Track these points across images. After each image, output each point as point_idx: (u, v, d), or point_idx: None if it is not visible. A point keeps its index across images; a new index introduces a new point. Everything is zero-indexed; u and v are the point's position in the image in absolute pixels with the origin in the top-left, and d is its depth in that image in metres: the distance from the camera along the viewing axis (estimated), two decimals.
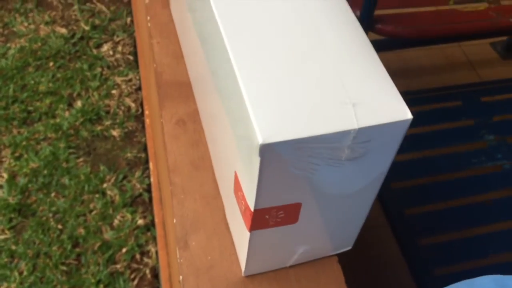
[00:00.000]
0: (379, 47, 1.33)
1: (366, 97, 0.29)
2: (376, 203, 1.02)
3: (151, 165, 1.24)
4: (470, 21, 1.04)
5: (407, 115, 0.29)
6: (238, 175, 0.34)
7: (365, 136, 0.29)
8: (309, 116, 0.28)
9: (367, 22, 0.97)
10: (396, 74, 1.70)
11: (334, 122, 0.28)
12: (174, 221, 0.41)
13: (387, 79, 0.31)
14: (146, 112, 1.30)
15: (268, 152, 0.28)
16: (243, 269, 0.39)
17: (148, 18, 0.53)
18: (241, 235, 0.37)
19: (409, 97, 1.13)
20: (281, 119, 0.28)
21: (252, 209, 0.32)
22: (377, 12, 0.97)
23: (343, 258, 0.42)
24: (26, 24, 1.52)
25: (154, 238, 1.16)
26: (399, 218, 0.95)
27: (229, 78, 0.32)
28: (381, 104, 0.29)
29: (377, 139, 0.30)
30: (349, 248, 0.42)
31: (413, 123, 1.03)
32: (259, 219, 0.33)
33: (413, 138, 1.07)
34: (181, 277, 0.38)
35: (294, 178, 0.31)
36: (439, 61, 1.55)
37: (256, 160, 0.28)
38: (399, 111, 0.29)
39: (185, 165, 0.44)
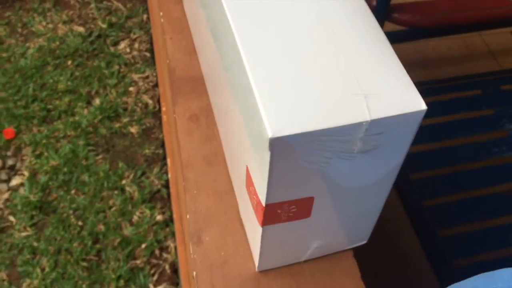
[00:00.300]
0: (397, 38, 1.31)
1: (379, 89, 0.29)
2: (394, 194, 1.01)
3: (168, 161, 1.24)
4: (487, 8, 1.02)
5: (422, 106, 0.29)
6: (250, 169, 0.33)
7: (377, 128, 0.28)
8: (320, 109, 0.28)
9: (384, 11, 0.96)
10: (415, 65, 1.69)
11: (345, 114, 0.28)
12: (188, 216, 0.41)
13: (401, 70, 0.31)
14: (163, 108, 1.30)
15: (278, 145, 0.28)
16: (256, 264, 0.38)
17: (161, 13, 0.53)
18: (254, 230, 0.36)
19: (427, 87, 1.12)
20: (291, 112, 0.28)
21: (263, 203, 0.32)
22: (394, 1, 0.95)
23: (361, 251, 0.41)
24: (44, 23, 1.54)
25: (173, 234, 1.17)
26: (418, 209, 0.94)
27: (240, 73, 0.32)
28: (395, 95, 0.29)
29: (391, 131, 0.29)
30: (364, 242, 0.41)
31: (432, 113, 1.02)
32: (271, 214, 0.33)
33: (432, 128, 1.06)
34: (194, 272, 0.38)
35: (305, 171, 0.30)
36: (459, 51, 1.52)
37: (267, 154, 0.28)
38: (413, 102, 0.29)
39: (198, 161, 0.44)
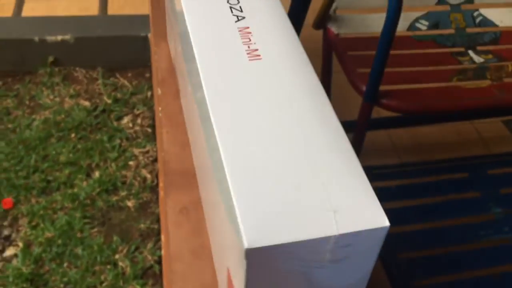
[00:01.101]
0: (391, 124, 1.36)
1: (347, 204, 0.31)
2: (382, 273, 1.01)
3: (163, 237, 1.25)
4: (473, 98, 1.07)
5: (385, 222, 0.31)
6: (231, 272, 0.35)
7: (345, 241, 0.31)
8: (293, 222, 0.30)
9: (373, 96, 1.00)
10: (408, 150, 1.73)
11: (316, 228, 0.30)
12: None
13: (367, 185, 0.33)
14: (161, 184, 1.33)
15: (254, 254, 0.30)
16: None
17: (160, 108, 0.56)
18: None
19: (418, 168, 1.15)
20: (267, 224, 0.30)
21: None
22: (383, 87, 1.00)
23: None
24: (52, 97, 1.60)
25: None
26: None
27: (222, 180, 0.35)
28: (361, 211, 0.31)
29: (358, 244, 0.31)
30: None
31: (422, 194, 1.04)
32: None
33: (421, 209, 1.08)
34: None
35: (281, 278, 0.32)
36: (452, 138, 1.56)
37: (243, 262, 0.30)
38: (378, 219, 0.31)
39: (186, 253, 0.46)
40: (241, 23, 0.46)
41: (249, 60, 0.43)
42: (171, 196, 0.49)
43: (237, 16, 0.46)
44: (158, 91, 0.58)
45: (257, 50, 0.44)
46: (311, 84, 0.42)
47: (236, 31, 0.45)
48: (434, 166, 1.20)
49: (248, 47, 0.44)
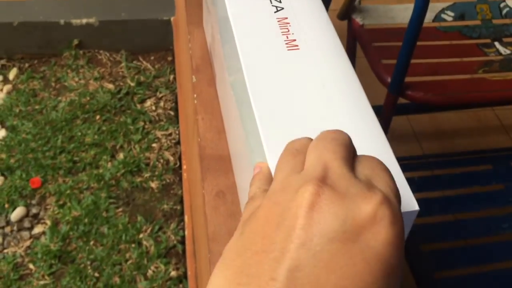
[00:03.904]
0: (412, 109, 1.37)
1: None
2: (405, 264, 1.03)
3: (186, 217, 1.28)
4: (498, 90, 1.07)
5: (415, 206, 0.33)
6: None
7: None
8: None
9: (398, 88, 1.02)
10: (429, 135, 1.73)
11: None
12: None
13: (397, 169, 0.35)
14: (184, 166, 1.36)
15: None
16: None
17: (195, 95, 0.58)
18: None
19: (441, 159, 1.16)
20: None
21: None
22: (407, 79, 1.01)
23: None
24: (77, 79, 1.63)
25: None
26: (429, 281, 0.96)
27: (259, 156, 0.37)
28: None
29: None
30: None
31: (445, 185, 1.05)
32: None
33: (444, 201, 1.09)
34: None
35: None
36: (472, 124, 1.57)
37: None
38: (408, 203, 0.34)
39: (224, 235, 0.48)
40: (280, 14, 0.47)
41: (288, 50, 0.44)
42: (208, 180, 0.52)
43: (276, 7, 0.48)
44: (193, 78, 0.60)
45: (295, 40, 0.45)
46: (347, 74, 0.43)
47: (275, 21, 0.47)
48: (457, 158, 1.21)
49: (287, 37, 0.45)
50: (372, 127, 0.39)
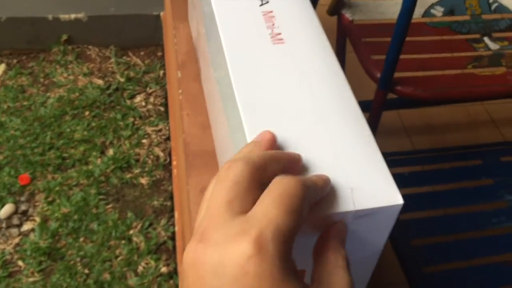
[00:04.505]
0: (402, 104, 1.37)
1: (363, 182, 0.34)
2: (394, 259, 1.03)
3: (176, 214, 1.28)
4: (487, 85, 1.07)
5: (399, 200, 0.33)
6: None
7: (361, 217, 0.33)
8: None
9: (387, 84, 1.01)
10: (419, 130, 1.73)
11: (335, 204, 0.32)
12: None
13: (382, 164, 0.35)
14: (174, 162, 1.35)
15: None
16: None
17: (180, 91, 0.58)
18: None
19: (431, 154, 1.16)
20: None
21: None
22: (397, 74, 1.01)
23: None
24: (65, 75, 1.62)
25: (177, 287, 1.19)
26: (417, 275, 0.96)
27: None
28: (376, 189, 0.34)
29: (372, 220, 0.34)
30: None
31: (435, 180, 1.05)
32: None
33: (434, 195, 1.09)
34: None
35: (297, 250, 0.34)
36: (462, 119, 1.57)
37: None
38: (392, 197, 0.34)
39: None
40: (265, 7, 0.47)
41: (273, 43, 0.44)
42: (193, 176, 0.51)
43: (261, 0, 0.48)
44: (178, 74, 0.59)
45: (280, 34, 0.45)
46: (332, 68, 0.43)
47: (260, 15, 0.46)
48: (447, 153, 1.21)
49: (272, 31, 0.45)
50: (356, 121, 0.39)
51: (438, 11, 1.19)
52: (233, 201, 0.27)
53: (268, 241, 0.25)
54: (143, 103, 1.56)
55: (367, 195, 0.33)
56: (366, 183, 0.34)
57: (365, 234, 0.35)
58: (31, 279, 1.19)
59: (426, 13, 1.19)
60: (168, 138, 1.48)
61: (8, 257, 1.24)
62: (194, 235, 0.27)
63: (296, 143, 0.36)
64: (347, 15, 1.15)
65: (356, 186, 0.34)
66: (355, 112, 0.39)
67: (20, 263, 1.22)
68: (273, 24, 0.46)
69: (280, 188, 0.27)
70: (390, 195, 0.34)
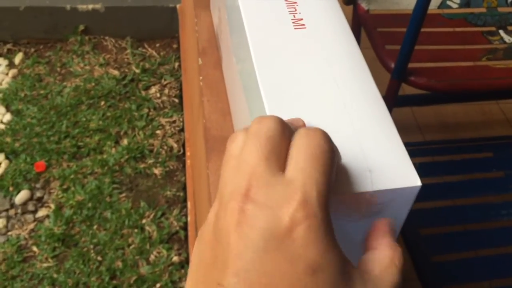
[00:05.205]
0: (417, 101, 1.36)
1: (382, 164, 0.34)
2: (403, 248, 1.03)
3: (189, 204, 1.29)
4: (501, 78, 1.07)
5: (417, 182, 0.34)
6: None
7: (379, 198, 0.33)
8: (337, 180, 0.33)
9: (401, 74, 1.01)
10: (434, 128, 1.72)
11: (355, 185, 0.33)
12: None
13: (400, 145, 0.36)
14: (187, 153, 1.36)
15: None
16: None
17: (201, 78, 0.59)
18: None
19: (443, 146, 1.16)
20: None
21: None
22: (411, 65, 1.01)
23: None
24: (82, 65, 1.63)
25: None
26: (425, 264, 0.96)
27: None
28: (395, 171, 0.34)
29: (390, 201, 0.34)
30: None
31: (445, 172, 1.05)
32: None
33: (444, 186, 1.09)
34: None
35: None
36: (476, 118, 1.57)
37: None
38: (410, 178, 0.34)
39: None
40: None
41: (294, 28, 0.45)
42: (213, 161, 0.52)
43: None
44: (199, 61, 0.60)
45: (302, 19, 0.45)
46: (353, 53, 0.44)
47: (282, 0, 0.47)
48: (458, 145, 1.21)
49: (294, 16, 0.46)
50: (376, 105, 0.39)
51: (454, 3, 1.19)
52: (270, 158, 0.26)
53: (314, 207, 0.25)
54: (158, 95, 1.57)
55: (385, 176, 0.34)
56: (385, 165, 0.34)
57: (382, 216, 0.35)
58: (45, 265, 1.21)
59: (442, 4, 1.19)
60: (182, 130, 1.49)
61: (23, 242, 1.26)
62: (228, 195, 0.25)
63: (319, 127, 0.36)
64: (363, 4, 1.15)
65: (375, 168, 0.34)
66: (376, 98, 0.40)
67: (34, 248, 1.24)
68: (295, 10, 0.47)
69: (310, 142, 0.27)
70: (408, 177, 0.34)
